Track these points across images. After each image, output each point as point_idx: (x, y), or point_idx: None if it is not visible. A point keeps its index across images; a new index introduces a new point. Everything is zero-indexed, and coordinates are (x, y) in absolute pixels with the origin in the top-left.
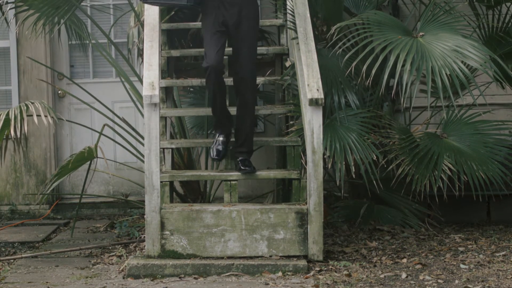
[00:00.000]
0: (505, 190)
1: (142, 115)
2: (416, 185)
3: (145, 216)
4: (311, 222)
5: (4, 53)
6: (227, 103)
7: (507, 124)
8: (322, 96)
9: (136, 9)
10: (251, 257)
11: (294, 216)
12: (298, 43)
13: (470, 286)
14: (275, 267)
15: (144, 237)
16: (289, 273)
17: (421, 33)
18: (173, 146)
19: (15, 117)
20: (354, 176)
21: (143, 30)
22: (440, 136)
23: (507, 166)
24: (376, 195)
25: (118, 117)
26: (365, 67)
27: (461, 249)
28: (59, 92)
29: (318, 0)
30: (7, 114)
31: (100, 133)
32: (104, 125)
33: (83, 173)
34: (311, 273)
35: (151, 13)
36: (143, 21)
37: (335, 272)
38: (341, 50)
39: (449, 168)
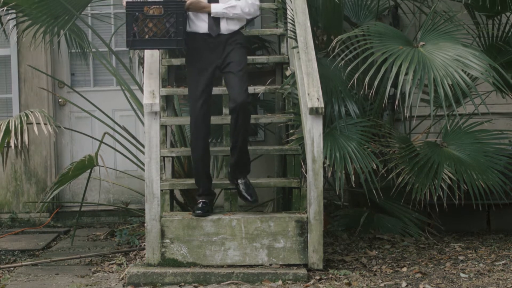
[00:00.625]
0: (505, 199)
1: (143, 123)
2: (416, 194)
3: (145, 225)
4: (311, 231)
5: (4, 61)
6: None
7: (506, 133)
8: (323, 105)
9: None
10: (251, 266)
11: (294, 224)
12: (298, 52)
13: None
14: (275, 275)
15: (144, 245)
16: (289, 281)
17: (421, 43)
18: (174, 155)
19: (16, 127)
20: (354, 185)
21: None
22: (440, 145)
23: (507, 175)
24: (376, 204)
25: (119, 125)
26: (367, 79)
27: (461, 258)
28: (60, 100)
29: (318, 10)
30: (8, 124)
31: (101, 141)
32: (105, 133)
33: (84, 181)
34: (311, 282)
35: None
36: None
37: (335, 281)
38: (342, 61)
39: (449, 177)
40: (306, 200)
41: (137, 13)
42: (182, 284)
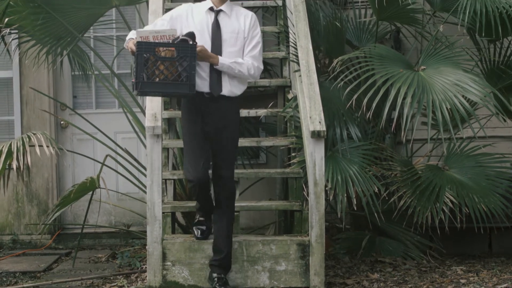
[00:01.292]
0: (506, 222)
1: (145, 146)
2: (418, 217)
3: (146, 247)
4: (313, 254)
5: (7, 83)
6: None
7: (508, 157)
8: (324, 129)
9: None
10: None
11: (296, 247)
12: (300, 76)
13: None
14: None
15: (146, 267)
16: None
17: (422, 67)
18: (175, 177)
19: (18, 149)
20: (355, 208)
21: None
22: (441, 168)
23: (508, 198)
24: (378, 227)
25: (121, 147)
26: (365, 99)
27: (462, 281)
28: (62, 122)
29: (320, 33)
30: (10, 146)
31: (103, 164)
32: (107, 156)
33: (85, 203)
34: None
35: None
36: None
37: None
38: (343, 82)
39: (451, 200)
40: (307, 223)
41: (148, 54)
42: None
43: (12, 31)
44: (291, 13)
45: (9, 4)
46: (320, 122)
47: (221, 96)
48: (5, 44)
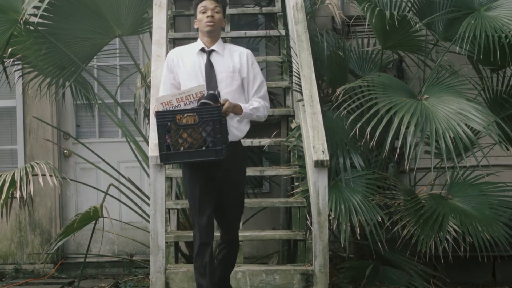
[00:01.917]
0: (510, 251)
1: (148, 175)
2: (422, 246)
3: (150, 277)
4: (317, 284)
5: (10, 112)
6: None
7: (511, 185)
8: (328, 158)
9: (142, 70)
10: None
11: (300, 277)
12: (303, 105)
13: None
14: None
15: None
16: None
17: (425, 96)
18: (179, 207)
19: (21, 178)
20: (359, 237)
21: (149, 91)
22: (445, 197)
23: (511, 227)
24: (382, 256)
25: (124, 177)
26: (369, 128)
27: None
28: (65, 151)
29: (323, 63)
30: (13, 175)
31: (106, 193)
32: (110, 185)
33: (88, 232)
34: None
35: (158, 75)
36: (150, 82)
37: None
38: (346, 111)
39: (454, 229)
40: (311, 252)
41: (169, 123)
42: None
43: (16, 62)
44: (294, 43)
45: (12, 34)
46: (323, 151)
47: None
48: (7, 75)
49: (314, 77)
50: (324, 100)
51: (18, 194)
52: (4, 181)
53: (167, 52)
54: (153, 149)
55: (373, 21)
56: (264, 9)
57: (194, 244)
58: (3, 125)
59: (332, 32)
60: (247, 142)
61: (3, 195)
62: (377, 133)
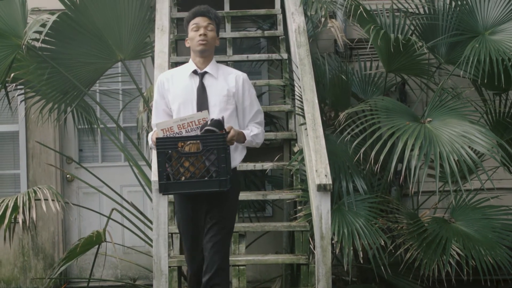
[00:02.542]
0: None
1: (151, 199)
2: (425, 269)
3: None
4: None
5: (13, 137)
6: None
7: None
8: (330, 182)
9: (144, 94)
10: None
11: None
12: (306, 129)
13: None
14: None
15: None
16: None
17: (428, 119)
18: None
19: (24, 203)
20: (362, 260)
21: (151, 115)
22: (448, 220)
23: None
24: (385, 280)
25: (127, 201)
26: (373, 153)
27: None
28: (68, 176)
29: (326, 86)
30: (16, 200)
31: (109, 217)
32: (113, 210)
33: (91, 256)
34: None
35: None
36: (152, 106)
37: None
38: (349, 136)
39: (457, 253)
40: (314, 276)
41: (170, 151)
42: None
43: (18, 86)
44: (297, 67)
45: (15, 58)
46: (326, 175)
47: None
48: (9, 100)
49: (316, 100)
50: (327, 123)
51: (20, 219)
52: (7, 206)
53: None
54: (155, 174)
55: (378, 43)
56: (266, 33)
57: (188, 273)
58: (6, 150)
59: (334, 55)
60: (249, 166)
61: (6, 220)
62: (381, 158)
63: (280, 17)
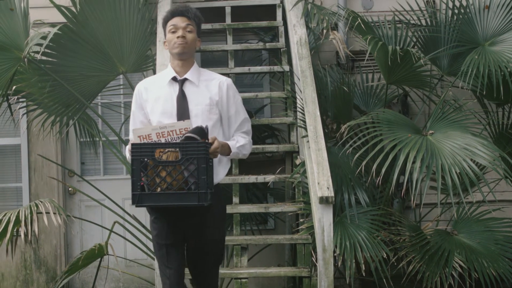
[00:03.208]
0: None
1: None
2: (427, 282)
3: None
4: None
5: (15, 150)
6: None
7: None
8: (333, 195)
9: None
10: None
11: None
12: (308, 141)
13: None
14: None
15: None
16: None
17: (430, 131)
18: None
19: (26, 217)
20: (364, 273)
21: None
22: (450, 233)
23: None
24: None
25: (129, 214)
26: (375, 165)
27: None
28: (70, 189)
29: (328, 98)
30: (18, 214)
31: (111, 230)
32: (115, 223)
33: (93, 269)
34: None
35: None
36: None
37: None
38: (351, 148)
39: (460, 265)
40: None
41: (146, 159)
42: None
43: (20, 99)
44: (299, 79)
45: (17, 71)
46: (328, 188)
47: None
48: (11, 112)
49: (318, 113)
50: (329, 135)
51: (23, 232)
52: (9, 220)
53: None
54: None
55: (375, 54)
56: (268, 45)
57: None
58: (8, 163)
59: (336, 67)
60: (251, 179)
61: (8, 234)
62: (383, 170)
63: (281, 29)
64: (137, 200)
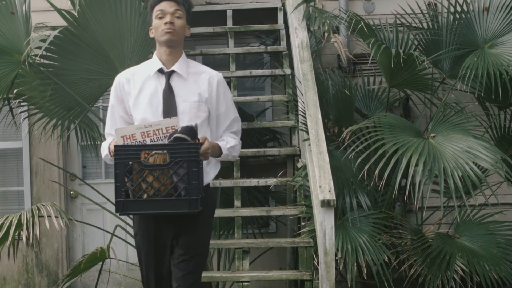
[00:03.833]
0: None
1: None
2: (429, 285)
3: None
4: None
5: (16, 154)
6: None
7: None
8: (334, 198)
9: None
10: None
11: None
12: (310, 145)
13: None
14: None
15: None
16: None
17: (432, 134)
18: None
19: (27, 220)
20: (366, 277)
21: None
22: (452, 236)
23: None
24: None
25: (130, 218)
26: (377, 169)
27: None
28: (71, 192)
29: (329, 102)
30: (20, 217)
31: (112, 234)
32: (116, 226)
33: (95, 273)
34: None
35: None
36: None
37: None
38: (353, 152)
39: (462, 269)
40: None
41: (131, 162)
42: None
43: (22, 103)
44: (300, 82)
45: (19, 74)
46: (329, 191)
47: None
48: (13, 115)
49: (320, 116)
50: (330, 139)
51: (24, 236)
52: (11, 223)
53: None
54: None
55: (377, 57)
56: (270, 48)
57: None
58: (9, 167)
59: (338, 71)
60: (253, 182)
61: (10, 238)
62: (386, 175)
63: (283, 32)
64: (121, 208)
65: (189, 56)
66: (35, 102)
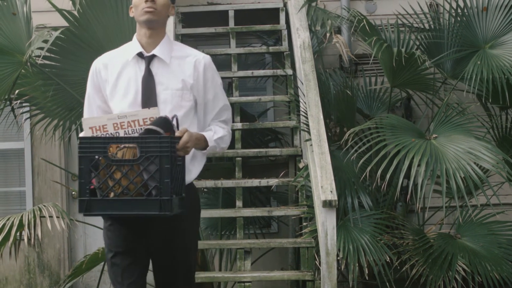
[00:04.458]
0: None
1: None
2: (430, 285)
3: None
4: None
5: (18, 154)
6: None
7: None
8: (336, 198)
9: None
10: None
11: None
12: (311, 145)
13: None
14: None
15: None
16: None
17: (434, 135)
18: None
19: (29, 221)
20: (367, 277)
21: None
22: (454, 236)
23: None
24: None
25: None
26: (379, 171)
27: None
28: (73, 193)
29: (331, 102)
30: (21, 218)
31: None
32: None
33: (97, 273)
34: None
35: None
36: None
37: None
38: (355, 153)
39: (463, 269)
40: None
41: (96, 156)
42: None
43: (24, 103)
44: (302, 83)
45: (21, 74)
46: (331, 191)
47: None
48: (15, 116)
49: (321, 116)
50: (332, 139)
51: (26, 236)
52: (12, 224)
53: None
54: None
55: (379, 56)
56: (271, 48)
57: None
58: (11, 167)
59: (339, 71)
60: (255, 183)
61: (11, 238)
62: (388, 176)
63: (285, 32)
64: (84, 208)
65: None
66: (36, 103)
